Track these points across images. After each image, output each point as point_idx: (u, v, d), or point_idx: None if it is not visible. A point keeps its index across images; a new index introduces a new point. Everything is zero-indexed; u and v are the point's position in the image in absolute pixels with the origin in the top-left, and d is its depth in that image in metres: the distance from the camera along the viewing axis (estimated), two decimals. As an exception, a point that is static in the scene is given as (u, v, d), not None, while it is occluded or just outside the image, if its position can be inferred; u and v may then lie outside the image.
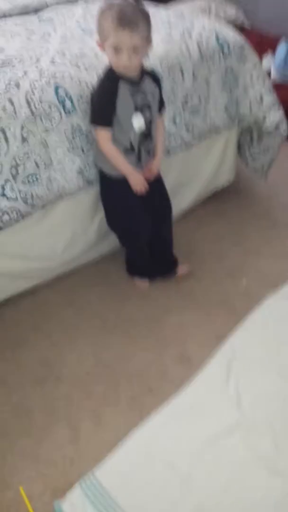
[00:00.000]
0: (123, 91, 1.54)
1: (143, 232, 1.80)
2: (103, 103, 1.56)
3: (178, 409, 1.45)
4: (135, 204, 1.72)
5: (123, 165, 1.63)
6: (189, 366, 1.61)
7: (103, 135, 1.59)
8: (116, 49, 1.47)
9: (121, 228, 1.83)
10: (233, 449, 1.34)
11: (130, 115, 1.57)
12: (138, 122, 1.59)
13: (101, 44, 1.52)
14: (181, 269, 1.95)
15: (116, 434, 1.40)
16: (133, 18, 1.44)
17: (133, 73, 1.55)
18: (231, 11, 3.85)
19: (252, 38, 3.54)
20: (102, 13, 1.48)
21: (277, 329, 1.67)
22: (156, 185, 1.78)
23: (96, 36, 1.55)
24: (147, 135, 1.64)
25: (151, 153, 1.70)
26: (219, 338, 1.67)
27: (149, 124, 1.63)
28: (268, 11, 3.84)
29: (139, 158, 1.66)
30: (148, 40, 1.52)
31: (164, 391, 1.53)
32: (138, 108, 1.58)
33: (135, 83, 1.56)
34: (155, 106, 1.65)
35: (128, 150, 1.63)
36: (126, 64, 1.49)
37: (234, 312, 1.80)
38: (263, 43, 3.52)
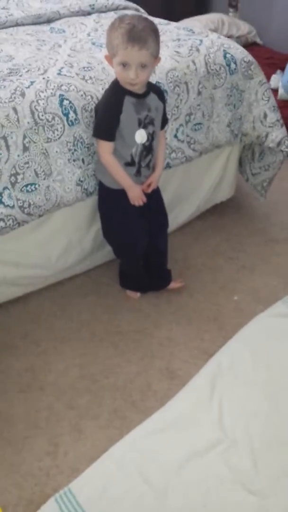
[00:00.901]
0: (128, 106, 1.55)
1: (139, 244, 1.80)
2: (107, 117, 1.57)
3: (158, 424, 1.44)
4: (132, 216, 1.73)
5: (122, 178, 1.64)
6: (174, 381, 1.61)
7: (105, 148, 1.60)
8: (124, 65, 1.48)
9: (117, 240, 1.84)
10: (211, 466, 1.33)
11: (134, 130, 1.59)
12: (140, 137, 1.60)
13: (110, 59, 1.53)
14: (173, 284, 1.95)
15: (95, 448, 1.40)
16: (143, 35, 1.45)
17: (139, 89, 1.56)
18: (244, 27, 3.86)
19: (263, 54, 3.55)
20: (112, 28, 1.49)
21: (265, 346, 1.66)
22: (154, 197, 1.78)
23: (105, 52, 1.56)
24: (148, 149, 1.65)
25: (150, 167, 1.71)
26: (207, 354, 1.67)
27: (151, 139, 1.64)
28: (281, 29, 3.85)
29: (138, 172, 1.67)
30: (156, 56, 1.53)
31: (147, 405, 1.53)
32: (142, 124, 1.59)
33: (140, 98, 1.57)
34: (158, 121, 1.66)
35: (128, 164, 1.64)
36: (133, 80, 1.50)
37: (224, 328, 1.80)
38: (274, 60, 3.52)
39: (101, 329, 1.79)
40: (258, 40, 3.97)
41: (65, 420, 1.49)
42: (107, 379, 1.61)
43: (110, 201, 1.74)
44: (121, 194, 1.67)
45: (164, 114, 1.70)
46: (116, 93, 1.56)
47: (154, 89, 1.65)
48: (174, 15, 3.50)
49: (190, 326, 1.81)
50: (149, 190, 1.72)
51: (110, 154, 1.61)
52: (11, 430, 1.46)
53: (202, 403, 1.48)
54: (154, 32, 1.51)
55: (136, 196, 1.67)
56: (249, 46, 3.75)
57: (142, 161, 1.66)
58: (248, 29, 3.88)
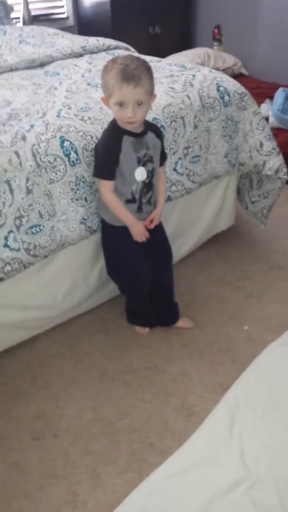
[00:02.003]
0: (127, 146, 1.56)
1: (144, 280, 1.79)
2: (107, 158, 1.58)
3: (179, 465, 1.39)
4: (136, 252, 1.72)
5: (124, 215, 1.64)
6: (191, 418, 1.57)
7: (106, 187, 1.60)
8: (121, 104, 1.49)
9: (122, 276, 1.82)
10: (237, 506, 1.27)
11: (133, 169, 1.59)
12: (141, 175, 1.61)
13: (106, 100, 1.54)
14: (183, 323, 1.93)
15: (115, 494, 1.35)
16: (137, 73, 1.47)
17: (137, 128, 1.57)
18: (230, 59, 3.96)
19: (250, 85, 3.63)
20: (106, 70, 1.51)
21: (281, 377, 1.62)
22: (157, 231, 1.78)
23: (101, 92, 1.58)
24: (149, 186, 1.66)
25: (152, 203, 1.71)
26: (223, 388, 1.62)
27: (151, 176, 1.65)
28: (265, 60, 3.95)
29: (140, 208, 1.67)
30: (151, 93, 1.55)
31: (166, 446, 1.48)
32: (141, 162, 1.60)
33: (138, 137, 1.59)
34: (157, 158, 1.67)
35: (129, 201, 1.64)
36: (131, 118, 1.51)
37: (238, 359, 1.76)
38: (261, 90, 3.60)
39: (111, 368, 1.75)
40: (244, 71, 4.07)
41: (82, 467, 1.43)
42: (122, 421, 1.56)
43: (113, 238, 1.74)
44: (124, 230, 1.67)
45: (163, 151, 1.71)
46: (114, 133, 1.58)
47: (151, 127, 1.66)
48: (161, 52, 3.60)
49: (202, 360, 1.78)
50: (152, 226, 1.72)
51: (111, 192, 1.61)
52: (27, 480, 1.40)
53: (222, 440, 1.43)
54: (147, 69, 1.53)
55: (138, 232, 1.67)
56: (236, 77, 3.83)
57: (143, 198, 1.66)
58: (233, 61, 3.98)
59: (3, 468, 1.44)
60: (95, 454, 1.47)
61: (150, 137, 1.63)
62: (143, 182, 1.63)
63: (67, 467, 1.43)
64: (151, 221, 1.71)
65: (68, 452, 1.47)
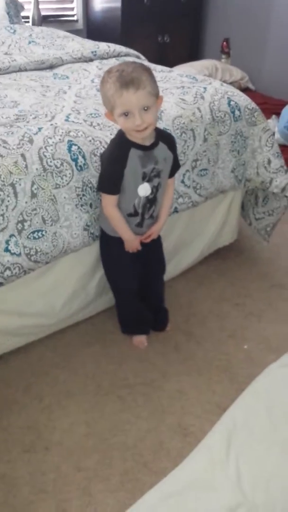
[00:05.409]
0: (133, 159, 1.48)
1: (131, 291, 1.78)
2: (111, 172, 1.50)
3: (174, 486, 1.34)
4: (127, 263, 1.70)
5: (124, 232, 1.60)
6: (187, 438, 1.52)
7: (108, 201, 1.55)
8: (126, 114, 1.39)
9: (111, 283, 1.80)
10: (233, 533, 1.23)
11: (137, 184, 1.52)
12: (144, 191, 1.55)
13: (110, 115, 1.44)
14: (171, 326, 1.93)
15: (106, 515, 1.29)
16: (135, 75, 1.35)
17: (147, 139, 1.48)
18: (237, 73, 3.96)
19: (256, 100, 3.62)
20: (103, 82, 1.41)
21: (280, 399, 1.58)
22: (154, 245, 1.74)
23: (103, 108, 1.51)
24: (152, 201, 1.59)
25: (154, 217, 1.66)
26: (220, 408, 1.59)
27: (155, 191, 1.58)
28: (273, 75, 3.95)
29: (141, 222, 1.63)
30: (156, 95, 1.42)
31: (160, 466, 1.44)
32: (146, 178, 1.53)
33: (147, 150, 1.49)
34: (166, 171, 1.58)
35: (131, 215, 1.59)
36: (139, 126, 1.39)
37: (236, 379, 1.73)
38: (267, 105, 3.60)
39: (107, 381, 1.70)
40: (250, 86, 4.07)
41: (73, 483, 1.38)
42: (116, 437, 1.51)
43: (108, 246, 1.71)
44: (119, 241, 1.64)
45: (176, 161, 1.63)
46: (121, 146, 1.48)
47: (163, 138, 1.55)
48: (169, 61, 3.59)
49: (200, 377, 1.73)
50: (148, 241, 1.68)
51: (113, 207, 1.55)
52: (16, 494, 1.35)
53: (219, 463, 1.39)
54: (146, 70, 1.40)
55: (131, 246, 1.65)
56: (242, 91, 3.83)
57: (145, 213, 1.61)
58: (240, 75, 3.98)
59: (-9, 480, 1.39)
60: (87, 471, 1.42)
61: (161, 149, 1.53)
62: (146, 197, 1.57)
63: (58, 483, 1.38)
64: (150, 237, 1.67)
65: (60, 467, 1.42)
